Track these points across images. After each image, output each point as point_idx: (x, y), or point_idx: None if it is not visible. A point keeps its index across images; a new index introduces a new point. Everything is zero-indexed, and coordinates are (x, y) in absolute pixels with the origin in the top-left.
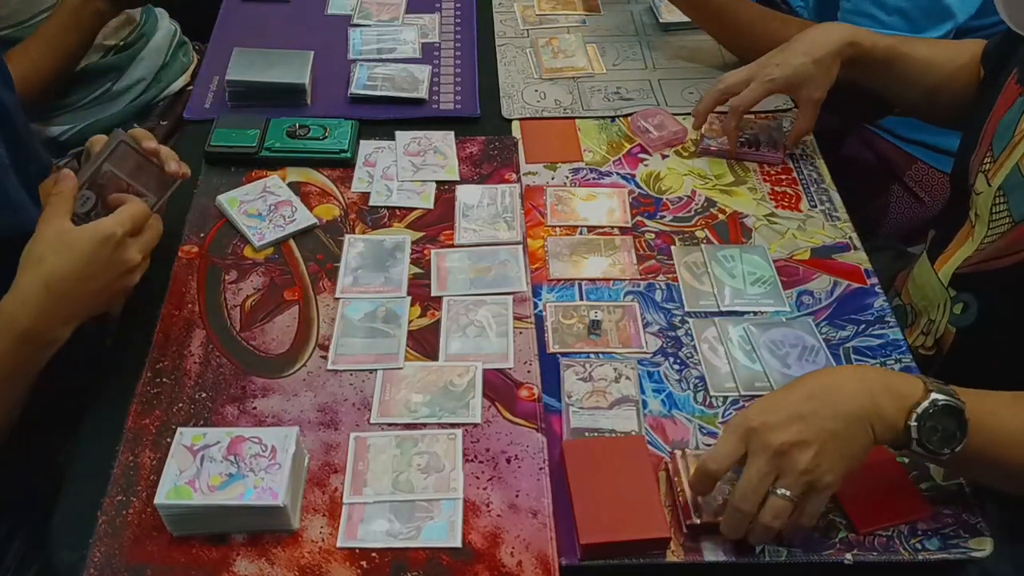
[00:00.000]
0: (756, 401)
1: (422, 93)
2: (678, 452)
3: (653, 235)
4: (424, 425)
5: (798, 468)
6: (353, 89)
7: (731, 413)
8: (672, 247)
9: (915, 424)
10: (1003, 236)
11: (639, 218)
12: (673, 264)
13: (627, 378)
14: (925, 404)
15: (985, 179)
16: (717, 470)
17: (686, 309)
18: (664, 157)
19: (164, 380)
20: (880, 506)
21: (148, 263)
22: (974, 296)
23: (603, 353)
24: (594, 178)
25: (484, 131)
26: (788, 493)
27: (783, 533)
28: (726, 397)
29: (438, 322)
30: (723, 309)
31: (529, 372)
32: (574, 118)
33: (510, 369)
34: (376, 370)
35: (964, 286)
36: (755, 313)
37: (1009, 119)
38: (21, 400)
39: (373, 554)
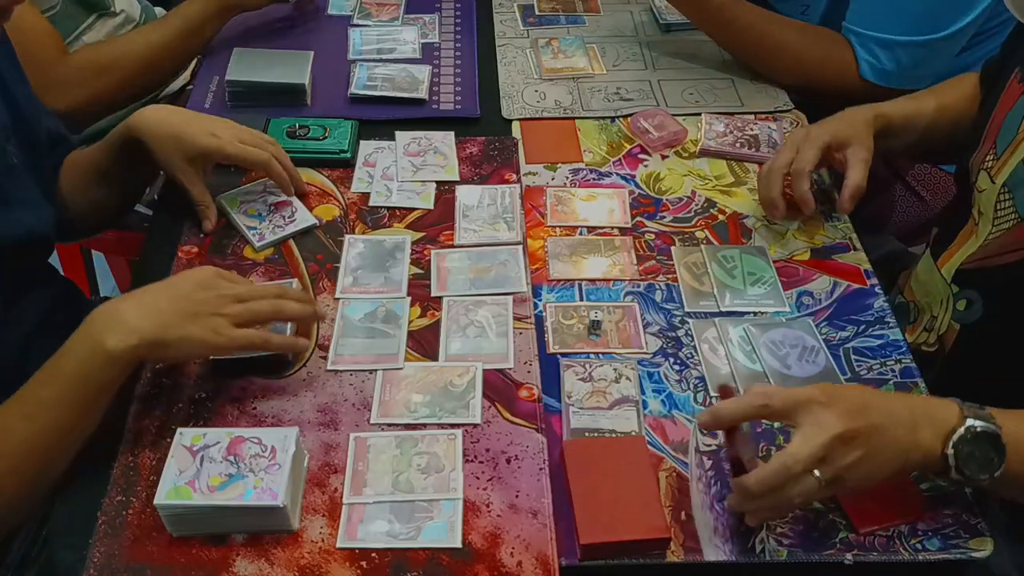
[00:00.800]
0: (825, 385)
1: (422, 93)
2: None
3: (653, 235)
4: (424, 425)
5: (842, 462)
6: (353, 89)
7: None
8: (672, 247)
9: (952, 452)
10: (1008, 232)
11: (639, 218)
12: (673, 264)
13: (627, 378)
14: (961, 431)
15: (988, 176)
16: (771, 405)
17: (686, 309)
18: (664, 158)
19: (164, 380)
20: (880, 506)
21: (236, 338)
22: (979, 293)
23: (603, 353)
24: (594, 178)
25: (484, 131)
26: (821, 476)
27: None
28: None
29: (438, 322)
30: (723, 310)
31: (529, 372)
32: (574, 118)
33: (510, 369)
34: (376, 370)
35: (967, 282)
36: (755, 314)
37: (1013, 116)
38: (100, 416)
39: (373, 554)
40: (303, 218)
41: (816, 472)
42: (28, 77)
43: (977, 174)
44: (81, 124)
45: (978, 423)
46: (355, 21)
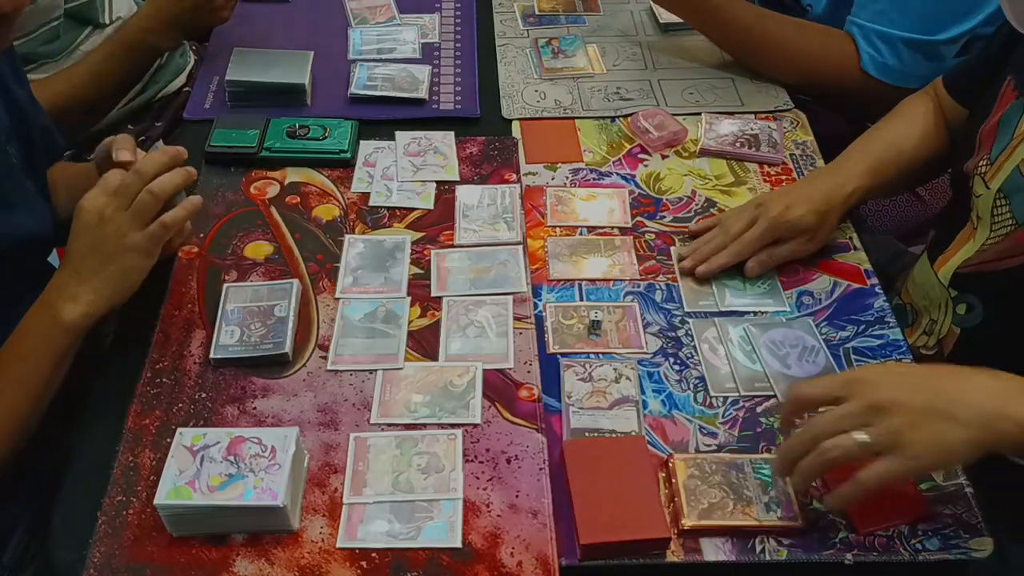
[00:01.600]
0: (876, 364)
1: (422, 93)
2: (676, 456)
3: (653, 235)
4: (424, 425)
5: (888, 426)
6: (353, 89)
7: (731, 413)
8: (672, 247)
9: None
10: (1006, 238)
11: (639, 218)
12: (673, 264)
13: (627, 378)
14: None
15: (983, 182)
16: (808, 396)
17: (685, 309)
18: (664, 157)
19: (164, 380)
20: (880, 506)
21: (158, 240)
22: (978, 297)
23: (603, 353)
24: (594, 178)
25: (484, 131)
26: (866, 439)
27: (826, 498)
28: (726, 398)
29: (438, 322)
30: (723, 309)
31: (529, 372)
32: (574, 118)
33: (510, 369)
34: (376, 370)
35: (965, 287)
36: (755, 313)
37: (1006, 122)
38: (55, 386)
39: (373, 554)
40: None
41: (857, 435)
42: None
43: (972, 179)
44: None
45: None
46: (351, 24)
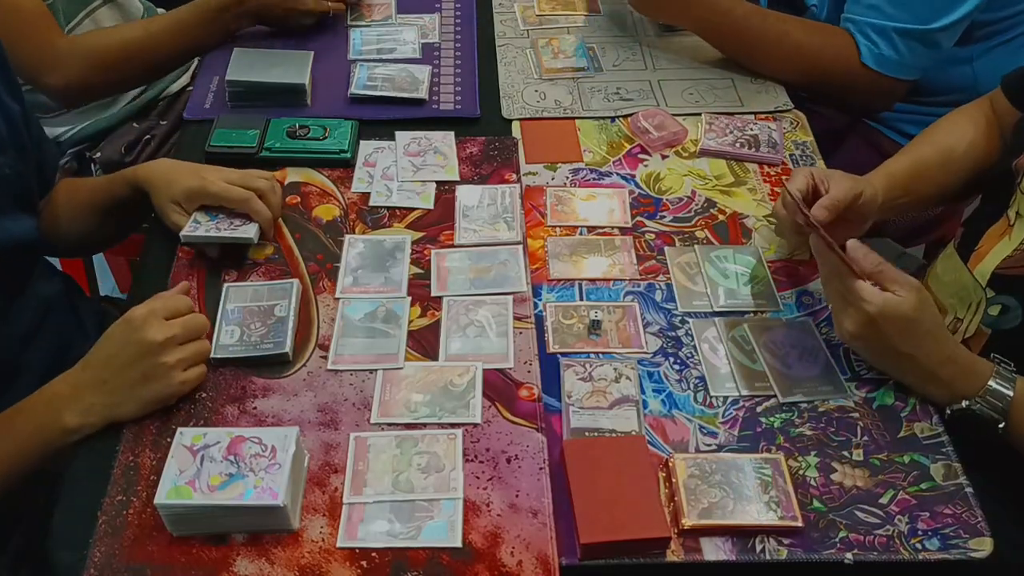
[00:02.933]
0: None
1: (422, 93)
2: (676, 455)
3: (653, 235)
4: (424, 425)
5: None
6: (353, 89)
7: (731, 413)
8: (667, 248)
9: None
10: None
11: (639, 218)
12: (669, 266)
13: (627, 378)
14: (964, 405)
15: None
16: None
17: (680, 309)
18: (664, 157)
19: None
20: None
21: (188, 381)
22: (1018, 300)
23: (603, 353)
24: (594, 178)
25: (484, 131)
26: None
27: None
28: (726, 397)
29: (438, 322)
30: (716, 309)
31: (529, 372)
32: (574, 118)
33: (510, 369)
34: (376, 370)
35: (1006, 288)
36: (755, 313)
37: None
38: (31, 472)
39: (373, 554)
40: (244, 232)
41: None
42: (25, 55)
43: (1021, 176)
44: (75, 102)
45: (983, 406)
46: (349, 23)
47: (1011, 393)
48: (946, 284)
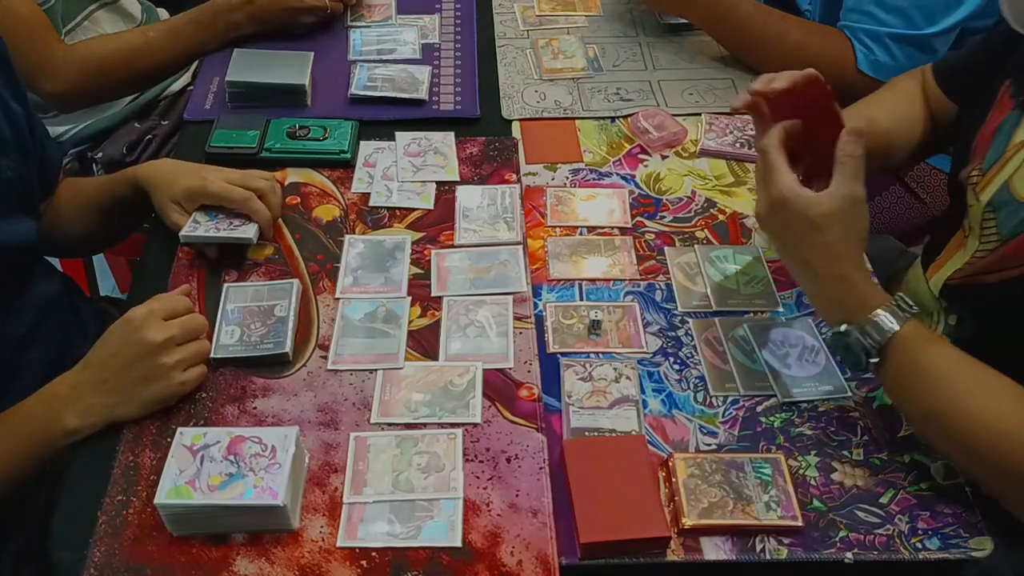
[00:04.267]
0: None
1: (422, 94)
2: (676, 455)
3: (653, 235)
4: (424, 425)
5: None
6: (353, 90)
7: (731, 413)
8: (666, 248)
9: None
10: (992, 253)
11: (639, 218)
12: (669, 266)
13: (627, 378)
14: (842, 328)
15: (974, 194)
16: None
17: (680, 309)
18: (664, 158)
19: None
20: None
21: (188, 381)
22: (968, 311)
23: (603, 353)
24: (594, 178)
25: (484, 132)
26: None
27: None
28: (726, 397)
29: (438, 322)
30: (716, 309)
31: (529, 372)
32: (574, 118)
33: (510, 369)
34: (376, 370)
35: (955, 298)
36: (755, 313)
37: (1002, 133)
38: (31, 473)
39: (373, 554)
40: (243, 232)
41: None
42: (22, 62)
43: (966, 189)
44: (71, 107)
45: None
46: (349, 24)
47: (896, 327)
48: (912, 292)
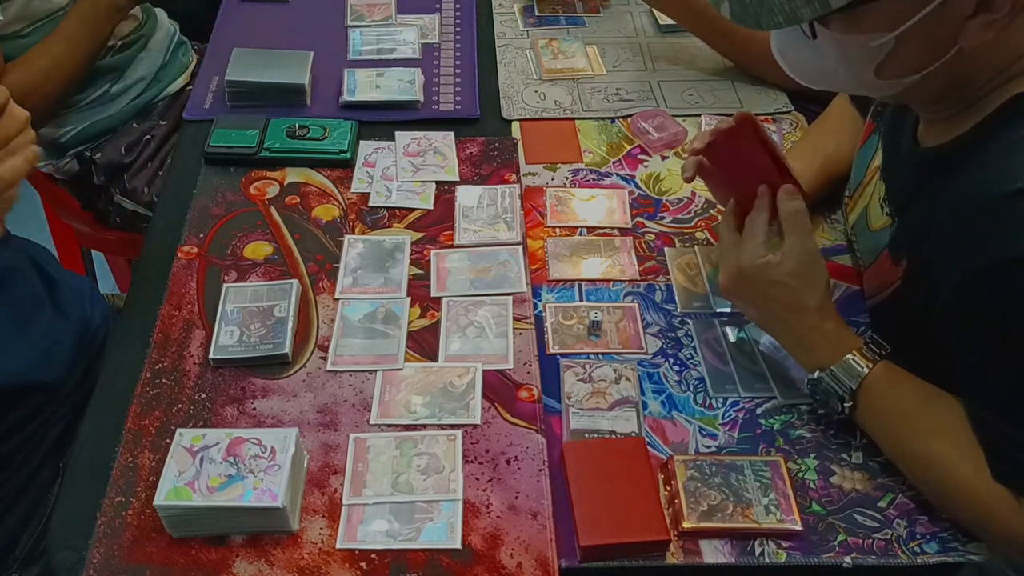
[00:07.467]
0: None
1: (415, 95)
2: (676, 457)
3: (653, 236)
4: (424, 426)
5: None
6: (344, 97)
7: (731, 414)
8: (666, 248)
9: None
10: (861, 277)
11: (639, 219)
12: (668, 267)
13: (627, 379)
14: (815, 376)
15: (844, 214)
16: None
17: (680, 310)
18: (664, 158)
19: (163, 381)
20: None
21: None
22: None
23: (603, 354)
24: (594, 179)
25: (484, 132)
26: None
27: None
28: (726, 398)
29: (438, 323)
30: (716, 310)
31: (529, 373)
32: (574, 119)
33: (510, 370)
34: (376, 371)
35: (873, 317)
36: None
37: (861, 157)
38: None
39: (372, 555)
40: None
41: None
42: None
43: (844, 219)
44: None
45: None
46: (349, 23)
47: (864, 370)
48: None
